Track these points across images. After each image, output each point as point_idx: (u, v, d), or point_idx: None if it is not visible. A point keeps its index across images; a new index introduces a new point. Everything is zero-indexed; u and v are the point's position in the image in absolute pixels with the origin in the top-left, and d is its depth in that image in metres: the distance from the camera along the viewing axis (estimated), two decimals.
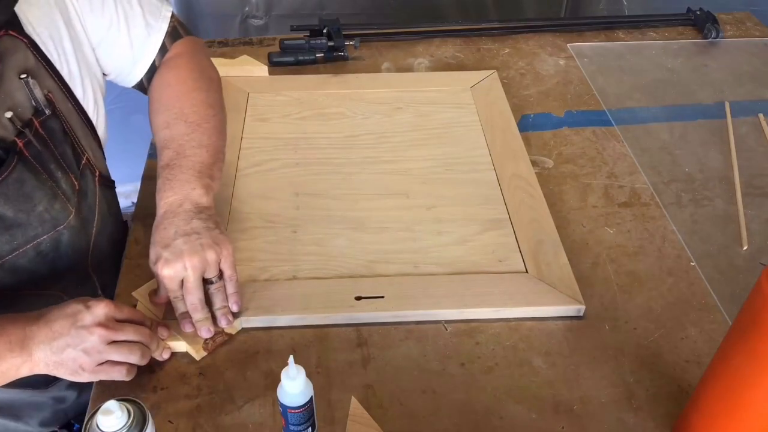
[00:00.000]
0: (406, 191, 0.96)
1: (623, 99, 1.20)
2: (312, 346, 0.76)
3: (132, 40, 0.84)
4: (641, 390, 0.72)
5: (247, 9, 1.80)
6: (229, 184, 0.96)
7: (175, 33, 0.90)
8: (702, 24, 1.40)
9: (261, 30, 1.82)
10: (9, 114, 0.68)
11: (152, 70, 0.88)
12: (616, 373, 0.74)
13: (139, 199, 0.96)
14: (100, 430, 0.56)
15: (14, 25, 0.70)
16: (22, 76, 0.69)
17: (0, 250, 0.72)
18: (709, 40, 1.37)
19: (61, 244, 0.77)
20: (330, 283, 0.82)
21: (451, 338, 0.77)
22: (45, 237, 0.75)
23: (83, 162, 0.79)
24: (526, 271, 0.84)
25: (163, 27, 0.87)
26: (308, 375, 0.63)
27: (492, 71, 1.23)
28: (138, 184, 0.98)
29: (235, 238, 0.87)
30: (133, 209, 0.94)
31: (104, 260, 0.87)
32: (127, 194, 1.95)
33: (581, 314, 0.80)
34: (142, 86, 0.90)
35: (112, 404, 0.57)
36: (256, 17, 1.81)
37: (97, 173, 0.83)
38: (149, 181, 0.98)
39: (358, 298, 0.80)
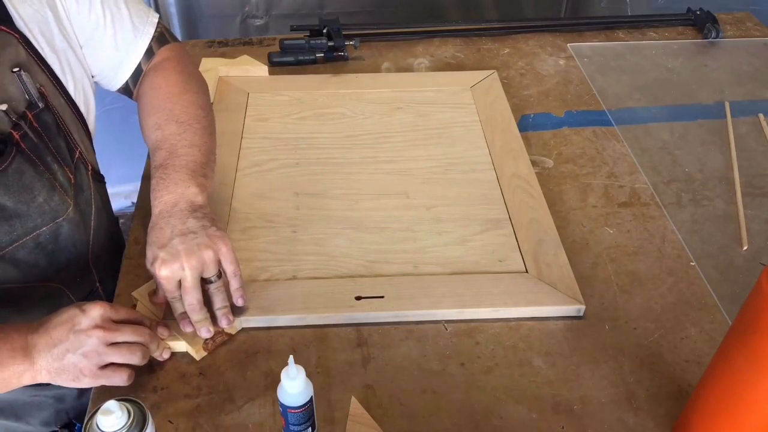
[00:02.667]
0: (406, 191, 0.96)
1: (623, 99, 1.20)
2: (312, 346, 0.76)
3: (117, 43, 0.84)
4: (641, 390, 0.72)
5: (247, 9, 1.80)
6: (229, 184, 0.96)
7: (161, 38, 0.90)
8: (702, 24, 1.40)
9: (261, 30, 1.82)
10: (4, 107, 0.69)
11: (137, 74, 0.88)
12: (616, 373, 0.74)
13: (139, 198, 0.96)
14: (100, 430, 0.56)
15: (5, 20, 0.70)
16: (15, 69, 0.69)
17: (0, 241, 0.72)
18: (709, 40, 1.37)
19: (61, 237, 0.78)
20: (330, 283, 0.82)
21: (451, 338, 0.77)
22: (44, 229, 0.75)
23: (76, 156, 0.79)
24: (526, 271, 0.84)
25: (149, 31, 0.88)
26: (308, 375, 0.63)
27: (492, 71, 1.23)
28: (138, 184, 0.98)
29: (235, 238, 0.87)
30: (133, 209, 0.94)
31: (102, 254, 0.88)
32: (126, 194, 1.96)
33: (581, 314, 0.80)
34: (128, 90, 0.90)
35: (112, 404, 0.57)
36: (256, 17, 1.81)
37: (90, 167, 0.83)
38: (149, 181, 0.98)
39: (358, 298, 0.80)
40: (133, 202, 1.83)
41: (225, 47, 1.31)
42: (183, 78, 0.88)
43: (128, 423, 0.57)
